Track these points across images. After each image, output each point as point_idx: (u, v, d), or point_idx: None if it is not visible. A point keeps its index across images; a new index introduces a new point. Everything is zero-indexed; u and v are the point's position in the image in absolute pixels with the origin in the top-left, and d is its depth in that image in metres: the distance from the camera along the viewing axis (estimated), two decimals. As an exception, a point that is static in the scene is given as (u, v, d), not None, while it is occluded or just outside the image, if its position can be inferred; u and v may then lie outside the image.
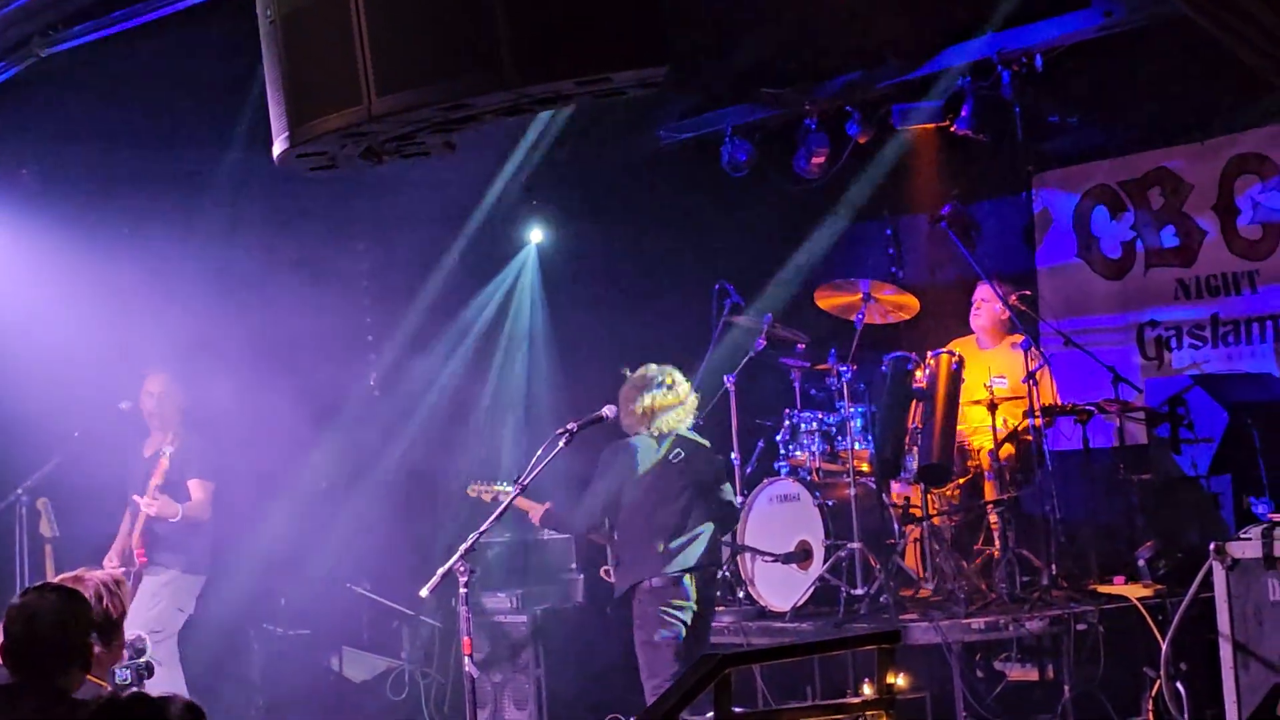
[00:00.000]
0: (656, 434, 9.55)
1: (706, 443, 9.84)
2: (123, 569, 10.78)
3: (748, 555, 10.77)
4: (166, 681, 10.74)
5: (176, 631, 11.04)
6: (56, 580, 6.26)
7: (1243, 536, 8.29)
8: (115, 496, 11.22)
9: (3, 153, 11.12)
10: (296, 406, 12.92)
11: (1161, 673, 8.92)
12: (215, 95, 10.87)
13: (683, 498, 9.43)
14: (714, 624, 10.67)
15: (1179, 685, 8.95)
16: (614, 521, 9.59)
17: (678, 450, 9.52)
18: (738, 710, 4.52)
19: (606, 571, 9.97)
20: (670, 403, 9.59)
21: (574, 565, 12.24)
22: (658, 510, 9.39)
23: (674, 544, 9.35)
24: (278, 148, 5.51)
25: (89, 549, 10.61)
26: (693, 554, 9.38)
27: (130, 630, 10.68)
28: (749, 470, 11.31)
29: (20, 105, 10.23)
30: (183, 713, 5.90)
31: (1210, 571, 8.32)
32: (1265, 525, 8.29)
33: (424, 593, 8.43)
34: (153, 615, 10.84)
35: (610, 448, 9.71)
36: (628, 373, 9.73)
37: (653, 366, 9.72)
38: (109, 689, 6.05)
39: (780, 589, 10.59)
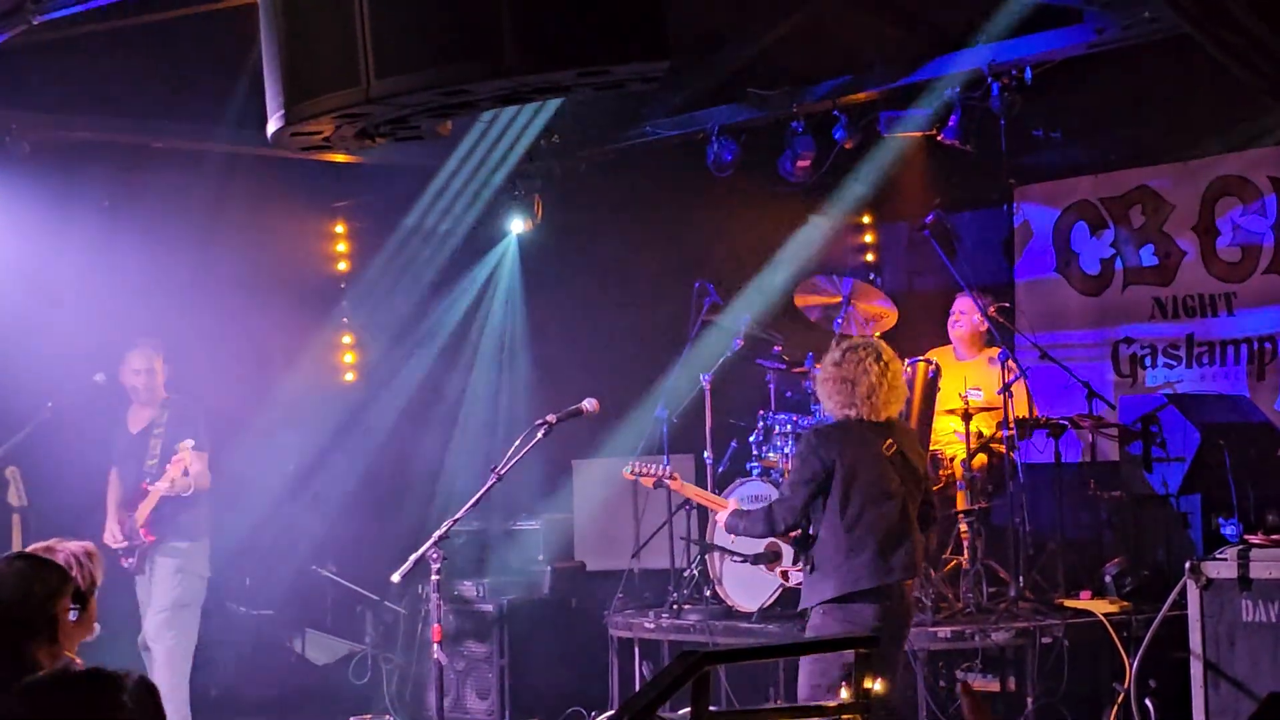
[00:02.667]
0: (869, 420, 8.25)
1: (913, 429, 9.23)
2: (126, 544, 10.82)
3: (716, 554, 10.77)
4: (186, 648, 10.84)
5: (201, 600, 11.11)
6: (29, 550, 6.23)
7: (1218, 556, 8.32)
8: (86, 468, 11.19)
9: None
10: (270, 389, 12.94)
11: (1132, 689, 8.95)
12: (207, 72, 10.87)
13: (897, 499, 8.16)
14: (680, 622, 10.72)
15: (1148, 702, 8.99)
16: (814, 520, 8.23)
17: (891, 442, 8.25)
18: (713, 710, 4.51)
19: (784, 574, 9.58)
20: (888, 382, 8.27)
21: (541, 557, 12.25)
22: (866, 512, 8.10)
23: (886, 553, 8.08)
24: (272, 125, 5.49)
25: (57, 520, 10.54)
26: (902, 563, 8.17)
27: (159, 606, 10.87)
28: (721, 470, 11.29)
29: (10, 73, 10.21)
30: (137, 687, 5.90)
31: (1183, 590, 8.35)
32: (1240, 546, 8.32)
33: (395, 578, 8.39)
34: (181, 591, 10.93)
35: (816, 433, 8.45)
36: (834, 345, 8.47)
37: (862, 338, 8.58)
38: (80, 664, 6.02)
39: (748, 589, 10.58)
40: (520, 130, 12.45)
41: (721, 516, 8.92)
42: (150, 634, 10.84)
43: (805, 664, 8.19)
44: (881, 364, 8.21)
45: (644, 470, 9.62)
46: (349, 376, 14.32)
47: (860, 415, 8.20)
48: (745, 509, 8.80)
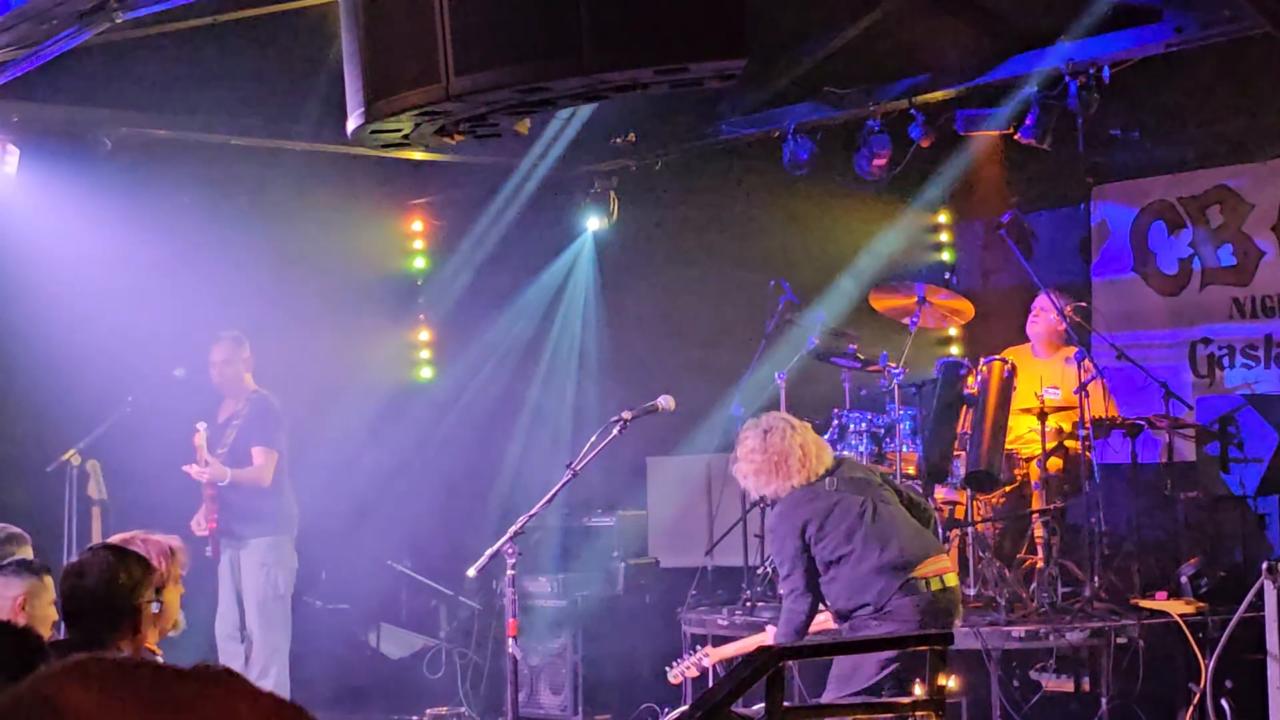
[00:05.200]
0: (809, 483, 8.40)
1: (849, 455, 9.27)
2: (205, 532, 11.01)
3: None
4: (280, 639, 11.04)
5: (291, 591, 11.30)
6: (113, 541, 6.29)
7: (1295, 557, 8.29)
8: (165, 463, 11.29)
9: (79, 116, 11.21)
10: (347, 385, 13.01)
11: (1207, 690, 8.91)
12: (287, 69, 10.97)
13: (866, 512, 8.29)
14: (753, 620, 10.72)
15: (1224, 703, 8.95)
16: (819, 589, 8.35)
17: (830, 480, 8.39)
18: (787, 705, 4.54)
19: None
20: (811, 442, 8.50)
21: (616, 553, 12.27)
22: (852, 546, 8.20)
23: (889, 557, 8.20)
24: (353, 123, 5.56)
25: (136, 513, 10.66)
26: (911, 551, 8.25)
27: (250, 601, 11.12)
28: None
29: (92, 71, 10.32)
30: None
31: (1260, 590, 8.31)
32: (1319, 546, 8.30)
33: (471, 572, 8.43)
34: (268, 583, 11.13)
35: (770, 525, 8.81)
36: (744, 434, 8.55)
37: (757, 418, 8.70)
38: (159, 655, 6.09)
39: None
40: (597, 128, 12.47)
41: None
42: (250, 627, 11.10)
43: (833, 674, 8.33)
44: (797, 429, 8.46)
45: (685, 668, 9.58)
46: (425, 373, 14.38)
47: (800, 483, 8.36)
48: (776, 630, 8.69)
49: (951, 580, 8.39)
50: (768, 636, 8.83)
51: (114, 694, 1.56)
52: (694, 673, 9.54)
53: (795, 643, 8.47)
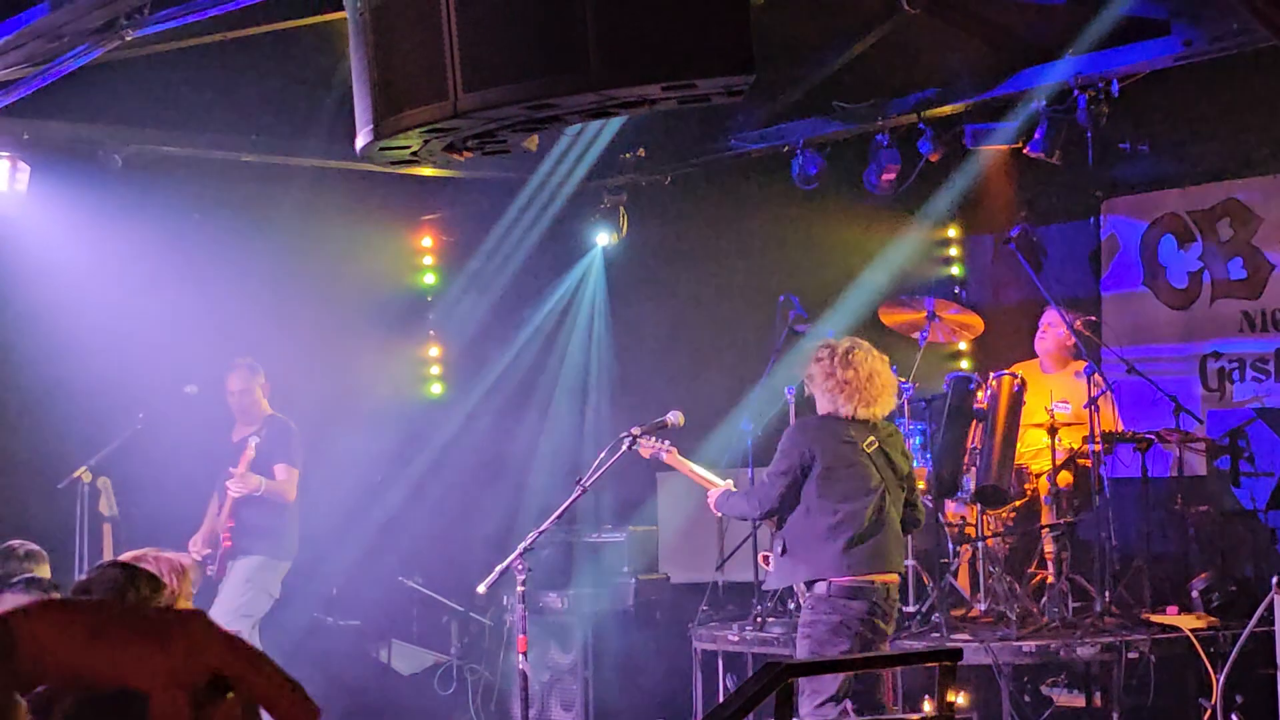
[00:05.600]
0: (856, 417, 8.43)
1: (900, 432, 9.16)
2: (208, 551, 11.00)
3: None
4: None
5: (262, 616, 11.26)
6: (122, 559, 6.28)
7: (1305, 571, 8.29)
8: (176, 479, 11.32)
9: (89, 134, 11.23)
10: (358, 401, 13.01)
11: (1218, 705, 8.90)
12: (296, 87, 10.99)
13: (874, 495, 8.34)
14: (764, 635, 10.71)
15: (1234, 717, 8.94)
16: (790, 506, 8.47)
17: (873, 439, 8.42)
18: None
19: (765, 558, 9.26)
20: (888, 380, 8.54)
21: (626, 569, 12.26)
22: (843, 504, 8.30)
23: (858, 545, 8.27)
24: (361, 140, 5.57)
25: (147, 530, 10.69)
26: (872, 556, 8.29)
27: (221, 610, 11.02)
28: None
29: (102, 87, 10.35)
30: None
31: (1270, 605, 8.30)
32: (1328, 560, 8.30)
33: (482, 588, 8.45)
34: (244, 600, 11.10)
35: (799, 427, 8.78)
36: (831, 345, 8.58)
37: (851, 339, 8.70)
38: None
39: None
40: (606, 143, 12.48)
41: (712, 495, 9.06)
42: None
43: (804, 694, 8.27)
44: (876, 357, 8.51)
45: (645, 441, 9.37)
46: (436, 388, 14.39)
47: (848, 413, 8.41)
48: (733, 491, 8.96)
49: (894, 591, 8.50)
50: (723, 486, 9.04)
51: (68, 619, 1.67)
52: (646, 453, 9.41)
53: (735, 513, 9.22)
